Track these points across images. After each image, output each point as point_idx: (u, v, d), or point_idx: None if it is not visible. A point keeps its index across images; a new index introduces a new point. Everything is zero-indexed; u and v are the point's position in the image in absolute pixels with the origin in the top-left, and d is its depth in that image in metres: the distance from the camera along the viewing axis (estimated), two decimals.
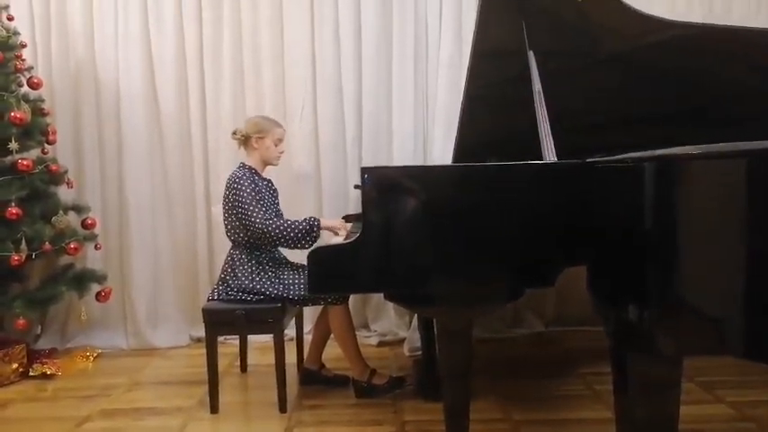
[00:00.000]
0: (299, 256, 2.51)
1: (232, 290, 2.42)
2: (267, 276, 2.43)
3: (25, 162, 2.82)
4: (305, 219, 2.38)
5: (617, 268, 1.43)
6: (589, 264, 1.57)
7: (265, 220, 2.35)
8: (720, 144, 1.23)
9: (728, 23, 2.87)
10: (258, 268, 2.44)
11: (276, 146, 2.56)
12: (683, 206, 1.22)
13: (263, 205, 2.41)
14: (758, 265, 1.08)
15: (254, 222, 2.35)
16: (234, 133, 2.56)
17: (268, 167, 2.63)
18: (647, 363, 1.32)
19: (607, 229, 1.48)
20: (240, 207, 2.39)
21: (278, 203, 2.63)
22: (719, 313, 1.14)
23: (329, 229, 2.49)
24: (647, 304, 1.29)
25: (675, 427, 1.34)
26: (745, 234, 1.10)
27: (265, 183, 2.56)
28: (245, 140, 2.55)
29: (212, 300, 2.45)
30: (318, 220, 2.39)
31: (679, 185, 1.23)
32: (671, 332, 1.26)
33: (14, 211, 2.72)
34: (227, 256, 2.51)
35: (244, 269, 2.43)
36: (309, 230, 2.35)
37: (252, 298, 2.39)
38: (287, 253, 2.62)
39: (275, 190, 2.63)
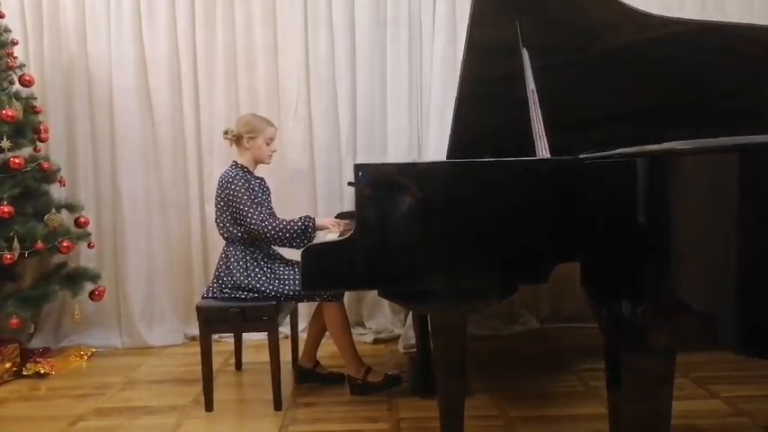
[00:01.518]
0: (293, 254, 2.51)
1: (227, 287, 2.41)
2: (262, 272, 2.42)
3: (17, 160, 2.81)
4: (300, 218, 2.39)
5: (610, 264, 1.43)
6: (582, 260, 1.57)
7: (262, 220, 2.36)
8: (712, 139, 1.23)
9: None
10: (253, 264, 2.43)
11: (268, 145, 2.54)
12: (675, 201, 1.22)
13: (257, 204, 2.41)
14: (751, 259, 1.08)
15: (249, 222, 2.36)
16: (225, 133, 2.55)
17: (260, 165, 2.62)
18: (641, 358, 1.32)
19: (600, 225, 1.48)
20: (235, 207, 2.39)
21: (270, 201, 2.62)
22: (712, 308, 1.14)
23: (323, 227, 2.48)
24: (641, 300, 1.29)
25: (668, 423, 1.34)
26: (738, 228, 1.10)
27: (258, 181, 2.56)
28: (236, 140, 2.53)
29: (207, 298, 2.44)
30: (313, 220, 2.39)
31: (671, 180, 1.23)
32: (664, 328, 1.26)
33: (7, 210, 2.71)
34: (222, 254, 2.50)
35: (239, 265, 2.42)
36: (304, 230, 2.36)
37: (246, 296, 2.39)
38: (281, 250, 2.61)
39: (267, 188, 2.62)
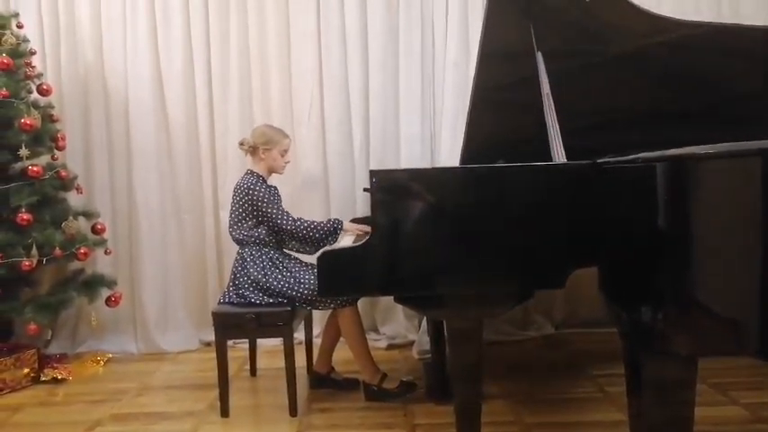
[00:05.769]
0: (308, 258, 2.54)
1: (242, 287, 2.43)
2: (278, 271, 2.45)
3: (35, 168, 2.84)
4: (329, 220, 2.50)
5: (630, 269, 1.42)
6: (601, 265, 1.56)
7: (294, 220, 2.46)
8: (733, 143, 1.21)
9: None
10: (269, 264, 2.47)
11: (282, 156, 2.60)
12: (696, 205, 1.21)
13: (279, 207, 2.47)
14: None
15: (281, 223, 2.44)
16: (241, 144, 2.60)
17: (273, 174, 2.65)
18: (662, 364, 1.30)
19: (619, 229, 1.47)
20: (262, 210, 2.45)
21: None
22: (735, 313, 1.13)
23: (349, 232, 2.51)
24: (662, 305, 1.28)
25: (691, 429, 1.32)
26: (761, 232, 1.08)
27: (272, 189, 2.59)
28: (252, 150, 2.58)
29: (223, 302, 2.46)
30: (342, 223, 2.47)
31: (692, 185, 1.22)
32: (686, 333, 1.25)
33: (25, 217, 2.74)
34: (237, 256, 2.53)
35: (255, 264, 2.45)
36: (333, 231, 2.46)
37: (262, 299, 2.40)
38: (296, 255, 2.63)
39: (279, 197, 2.66)
